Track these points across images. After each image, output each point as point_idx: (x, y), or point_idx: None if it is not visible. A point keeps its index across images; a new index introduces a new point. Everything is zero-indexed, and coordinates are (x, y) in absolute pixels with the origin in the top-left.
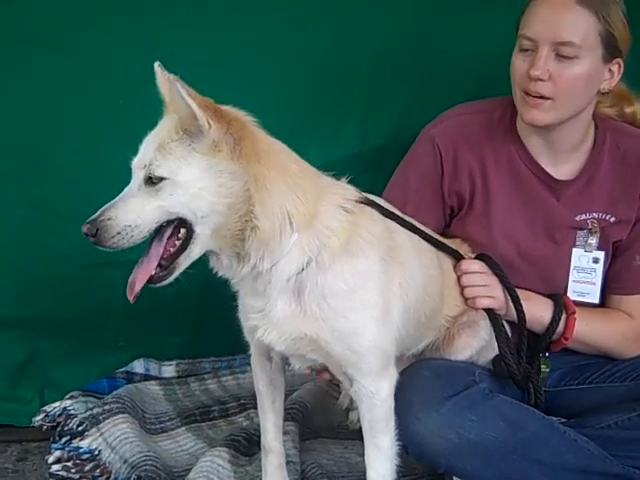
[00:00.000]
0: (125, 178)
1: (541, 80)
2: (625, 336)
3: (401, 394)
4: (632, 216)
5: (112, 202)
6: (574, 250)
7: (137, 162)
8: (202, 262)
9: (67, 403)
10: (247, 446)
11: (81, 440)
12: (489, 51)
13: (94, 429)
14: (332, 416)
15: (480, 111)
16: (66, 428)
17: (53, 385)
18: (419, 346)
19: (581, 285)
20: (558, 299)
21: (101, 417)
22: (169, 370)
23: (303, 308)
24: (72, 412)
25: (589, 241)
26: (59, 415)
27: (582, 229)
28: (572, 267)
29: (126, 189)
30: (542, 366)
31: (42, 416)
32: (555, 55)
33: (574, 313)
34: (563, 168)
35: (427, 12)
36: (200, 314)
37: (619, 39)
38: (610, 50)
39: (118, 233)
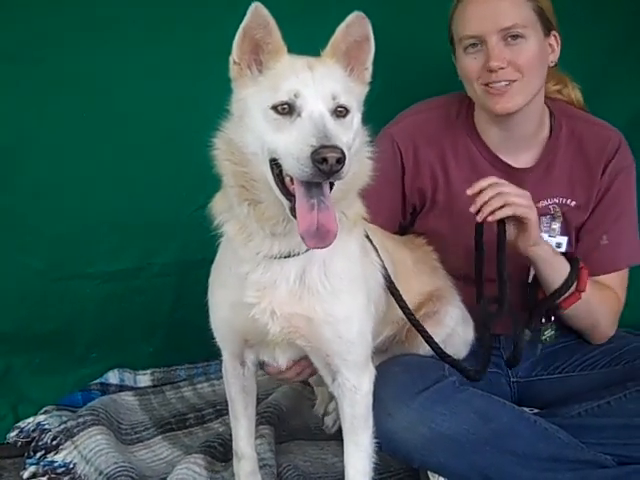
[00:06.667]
0: (90, 191)
1: (502, 68)
2: (612, 308)
3: (373, 391)
4: (591, 200)
5: (315, 127)
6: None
7: (322, 92)
8: (172, 272)
9: (41, 418)
10: (223, 452)
11: (56, 454)
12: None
13: (68, 442)
14: (308, 418)
15: (437, 107)
16: (40, 443)
17: (27, 400)
18: (377, 339)
19: None
20: (574, 261)
21: (75, 430)
22: (144, 379)
23: (307, 285)
24: (46, 427)
25: (553, 226)
26: (33, 430)
27: (545, 215)
28: None
29: (314, 119)
30: (549, 330)
31: (16, 432)
32: (504, 41)
33: (584, 267)
34: (522, 157)
35: (392, 10)
36: (173, 322)
37: (546, 10)
38: (545, 23)
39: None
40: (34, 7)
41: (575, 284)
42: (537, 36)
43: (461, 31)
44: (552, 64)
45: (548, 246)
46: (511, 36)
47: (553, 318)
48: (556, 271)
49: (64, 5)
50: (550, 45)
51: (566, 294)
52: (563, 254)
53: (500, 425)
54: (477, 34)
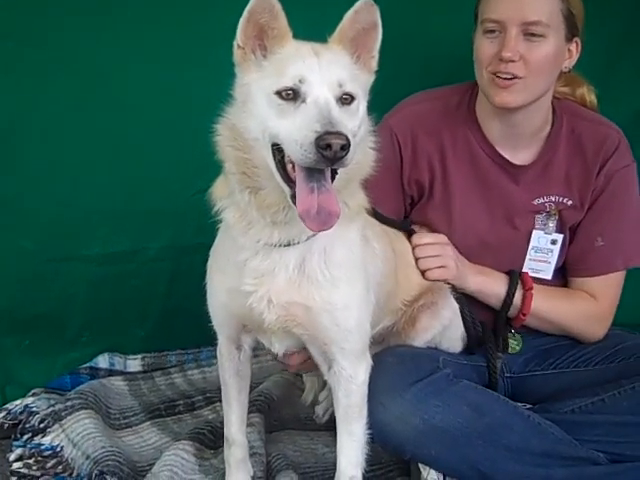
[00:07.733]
0: (86, 175)
1: (512, 61)
2: (588, 316)
3: None
4: (586, 199)
5: (320, 113)
6: (534, 232)
7: (328, 79)
8: (167, 256)
9: (29, 400)
10: (212, 439)
11: (43, 437)
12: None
13: (56, 425)
14: (299, 408)
15: (437, 98)
16: (27, 425)
17: (15, 382)
18: (375, 329)
19: (536, 263)
20: (514, 275)
21: (63, 413)
22: (134, 364)
23: (306, 274)
24: (34, 409)
25: (549, 224)
26: (21, 413)
27: (541, 212)
28: (530, 247)
29: (319, 105)
30: (512, 342)
31: (3, 414)
32: (524, 36)
33: (531, 289)
34: (521, 153)
35: None
36: (166, 307)
37: (577, 17)
38: (570, 28)
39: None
40: None
41: (519, 308)
42: (557, 39)
43: (486, 13)
44: (566, 69)
45: (479, 278)
46: (531, 33)
47: (513, 330)
48: (492, 299)
49: None
50: (569, 51)
51: (507, 314)
52: (507, 272)
53: (493, 419)
54: (499, 20)
